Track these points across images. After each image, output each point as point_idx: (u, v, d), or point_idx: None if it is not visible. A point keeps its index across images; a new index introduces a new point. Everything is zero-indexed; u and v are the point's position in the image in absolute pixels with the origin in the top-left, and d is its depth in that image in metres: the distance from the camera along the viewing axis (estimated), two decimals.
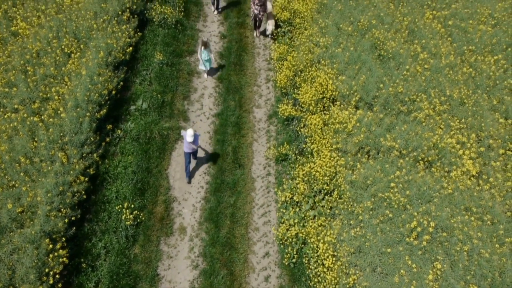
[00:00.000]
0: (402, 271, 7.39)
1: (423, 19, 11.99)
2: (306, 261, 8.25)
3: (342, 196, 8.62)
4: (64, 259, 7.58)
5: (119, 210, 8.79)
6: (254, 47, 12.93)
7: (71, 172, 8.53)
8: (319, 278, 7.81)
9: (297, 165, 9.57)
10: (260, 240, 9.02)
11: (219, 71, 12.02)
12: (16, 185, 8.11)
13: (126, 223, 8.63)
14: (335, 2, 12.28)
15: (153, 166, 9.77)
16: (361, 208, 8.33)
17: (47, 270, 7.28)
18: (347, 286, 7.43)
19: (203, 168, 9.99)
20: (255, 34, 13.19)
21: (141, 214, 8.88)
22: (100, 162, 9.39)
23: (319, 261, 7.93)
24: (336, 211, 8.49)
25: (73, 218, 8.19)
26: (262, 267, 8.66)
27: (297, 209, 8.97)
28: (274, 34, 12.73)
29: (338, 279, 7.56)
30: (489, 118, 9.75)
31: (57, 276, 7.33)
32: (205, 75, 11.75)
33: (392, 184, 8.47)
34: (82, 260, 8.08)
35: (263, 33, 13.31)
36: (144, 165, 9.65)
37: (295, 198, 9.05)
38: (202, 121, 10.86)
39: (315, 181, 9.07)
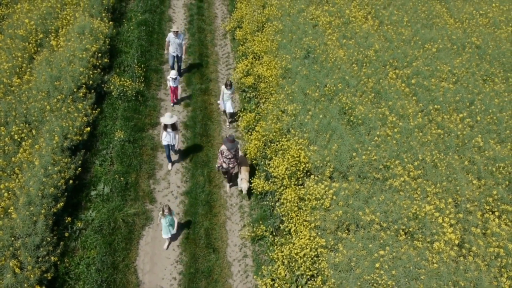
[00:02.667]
0: None
1: (387, 78, 12.08)
2: None
3: (326, 281, 8.09)
4: None
5: None
6: (220, 115, 12.54)
7: (25, 282, 7.56)
8: None
9: (275, 247, 9.01)
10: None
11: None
12: None
13: None
14: (300, 66, 12.19)
15: (119, 260, 8.91)
16: None
17: None
18: None
19: (175, 255, 9.23)
20: (226, 188, 10.61)
21: None
22: (59, 262, 8.46)
23: None
24: None
25: None
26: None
27: None
28: (251, 190, 10.23)
29: None
30: (463, 180, 9.67)
31: None
32: (167, 243, 9.31)
33: (377, 265, 8.05)
34: None
35: (235, 185, 10.75)
36: (109, 260, 8.78)
37: (275, 284, 8.43)
38: (170, 201, 10.18)
39: (296, 263, 8.53)
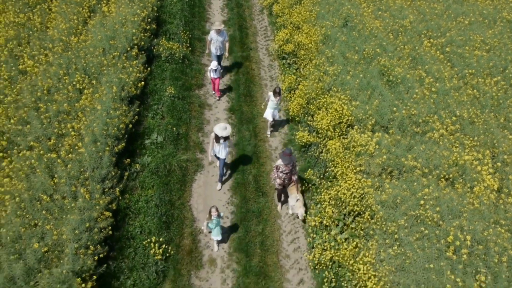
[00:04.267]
0: (448, 285, 7.29)
1: (422, 47, 12.59)
2: (345, 284, 8.03)
3: (374, 216, 8.58)
4: None
5: (147, 245, 8.40)
6: (261, 79, 13.13)
7: (96, 207, 8.17)
8: None
9: (322, 190, 9.52)
10: (292, 267, 8.77)
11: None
12: (39, 224, 7.67)
13: (156, 257, 8.23)
14: (338, 33, 12.77)
15: (175, 199, 9.49)
16: (395, 227, 8.29)
17: None
18: None
19: (226, 198, 9.79)
20: (278, 208, 9.74)
21: (169, 247, 8.51)
22: (120, 198, 9.05)
23: (361, 282, 7.74)
24: (371, 232, 8.40)
25: (101, 256, 7.76)
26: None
27: (327, 233, 8.83)
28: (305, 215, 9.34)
29: None
30: (500, 135, 10.11)
31: None
32: (216, 245, 8.86)
33: (422, 202, 8.52)
34: None
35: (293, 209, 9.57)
36: (166, 198, 9.36)
37: (324, 221, 8.94)
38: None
39: (343, 204, 9.02)
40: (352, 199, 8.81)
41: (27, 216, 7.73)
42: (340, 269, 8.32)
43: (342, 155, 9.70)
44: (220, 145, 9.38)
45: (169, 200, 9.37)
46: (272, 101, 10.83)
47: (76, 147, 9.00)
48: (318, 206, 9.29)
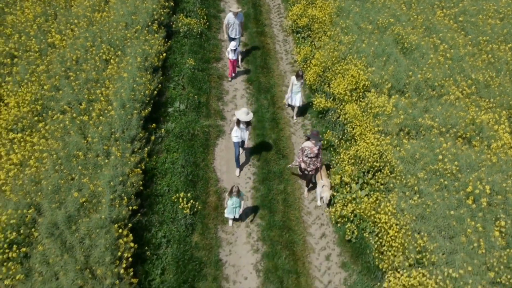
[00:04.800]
0: (468, 230, 7.57)
1: (435, 17, 12.81)
2: (367, 235, 8.35)
3: (393, 171, 8.87)
4: (132, 244, 7.51)
5: (175, 200, 8.79)
6: (277, 53, 13.46)
7: (128, 163, 8.58)
8: (384, 247, 7.90)
9: (341, 150, 9.84)
10: (314, 222, 9.11)
11: (249, 74, 12.41)
12: (76, 178, 8.10)
13: (184, 211, 8.62)
14: (352, 5, 13.05)
15: (200, 161, 9.88)
16: (415, 179, 8.58)
17: (119, 253, 7.19)
18: (416, 249, 7.54)
19: (248, 160, 10.14)
20: (305, 193, 9.57)
21: (196, 203, 8.89)
22: (147, 160, 9.44)
23: (382, 231, 8.05)
24: (391, 185, 8.71)
25: (134, 208, 8.17)
26: (321, 247, 8.70)
27: (348, 191, 9.14)
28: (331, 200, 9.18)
29: (405, 244, 7.67)
30: None
31: (130, 259, 7.24)
32: (231, 222, 8.88)
33: (440, 157, 8.80)
34: (146, 248, 7.99)
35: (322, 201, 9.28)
36: (191, 159, 9.75)
37: (344, 179, 9.25)
38: None
39: (362, 162, 9.32)
40: (371, 156, 9.12)
41: (65, 171, 8.16)
42: (361, 222, 8.64)
43: (360, 117, 10.00)
44: (241, 129, 9.30)
45: (193, 162, 9.75)
46: (295, 85, 10.62)
47: (106, 111, 9.41)
48: (337, 165, 9.59)
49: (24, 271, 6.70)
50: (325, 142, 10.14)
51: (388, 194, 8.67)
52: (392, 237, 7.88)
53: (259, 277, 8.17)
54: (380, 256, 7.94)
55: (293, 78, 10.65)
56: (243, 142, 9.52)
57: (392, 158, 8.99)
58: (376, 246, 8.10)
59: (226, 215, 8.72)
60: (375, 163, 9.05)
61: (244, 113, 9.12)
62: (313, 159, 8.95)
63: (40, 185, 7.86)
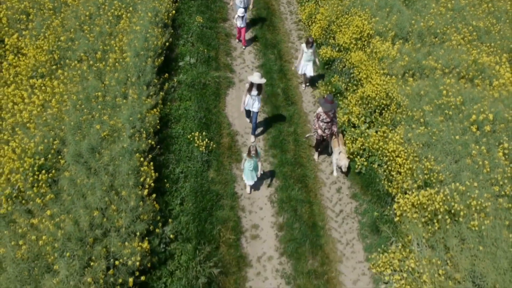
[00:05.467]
0: (473, 152, 7.93)
1: None
2: (376, 167, 8.70)
3: (400, 106, 9.23)
4: (153, 173, 7.88)
5: (190, 139, 9.15)
6: (281, 13, 13.78)
7: (145, 104, 8.94)
8: (393, 173, 8.26)
9: (348, 94, 10.18)
10: (324, 160, 9.46)
11: (254, 32, 12.73)
12: (96, 116, 8.46)
13: (200, 149, 8.99)
14: None
15: (212, 107, 10.23)
16: (421, 112, 8.94)
17: (141, 179, 7.57)
18: (424, 171, 7.90)
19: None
20: (315, 157, 9.53)
21: (211, 143, 9.25)
22: (162, 107, 9.79)
23: (391, 159, 8.40)
24: (398, 118, 9.06)
25: (152, 143, 8.53)
26: (332, 181, 9.08)
27: (356, 129, 9.49)
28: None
29: (413, 168, 8.03)
30: None
31: (152, 184, 7.62)
32: (249, 188, 8.74)
33: (444, 92, 9.15)
34: (165, 181, 8.36)
35: (339, 169, 9.14)
36: (203, 106, 10.11)
37: (352, 119, 9.60)
38: (247, 72, 11.45)
39: (368, 103, 9.66)
40: (378, 94, 9.47)
41: (85, 110, 8.52)
42: (370, 156, 8.99)
43: (365, 62, 10.34)
44: (252, 98, 9.13)
45: (206, 108, 10.11)
46: (305, 53, 10.23)
47: (121, 59, 9.76)
48: (344, 107, 9.93)
49: (54, 192, 7.07)
50: (332, 88, 10.48)
51: (395, 127, 9.02)
52: (400, 164, 8.25)
53: (274, 207, 8.55)
54: (389, 184, 8.31)
55: (303, 45, 10.24)
56: (254, 112, 9.36)
57: (398, 95, 9.35)
58: (385, 174, 8.47)
59: (246, 181, 8.58)
60: (381, 101, 9.40)
61: (257, 76, 8.98)
62: (329, 124, 8.85)
63: (62, 122, 8.22)
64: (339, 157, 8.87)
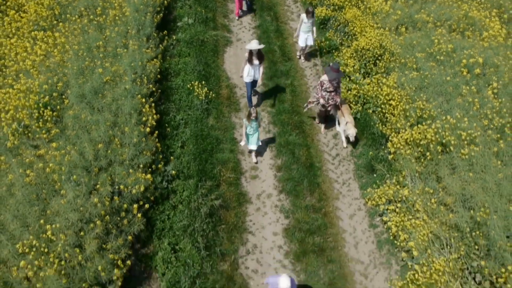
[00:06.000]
0: (464, 91, 8.22)
1: None
2: (371, 112, 8.97)
3: (393, 55, 9.50)
4: (154, 114, 8.12)
5: (190, 89, 9.39)
6: None
7: (146, 53, 9.16)
8: (387, 115, 8.54)
9: (343, 48, 10.44)
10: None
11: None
12: (98, 63, 8.67)
13: (199, 98, 9.23)
14: None
15: (211, 62, 10.46)
16: (413, 59, 9.22)
17: (144, 118, 7.81)
18: (417, 111, 8.18)
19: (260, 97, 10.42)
20: (322, 129, 9.27)
21: (210, 92, 9.49)
22: (161, 61, 10.00)
23: (385, 101, 8.68)
24: (391, 66, 9.33)
25: (153, 88, 8.76)
26: (328, 128, 9.33)
27: (350, 80, 9.75)
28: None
29: (406, 108, 8.31)
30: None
31: (154, 123, 7.85)
32: (254, 156, 8.55)
33: (436, 40, 9.43)
34: (166, 125, 8.60)
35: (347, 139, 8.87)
36: (202, 60, 10.33)
37: (346, 70, 9.85)
38: (244, 32, 11.69)
39: (363, 55, 9.92)
40: (371, 45, 9.73)
41: (87, 58, 8.73)
42: (365, 103, 9.26)
43: (360, 17, 10.61)
44: (253, 67, 8.87)
45: (205, 62, 10.34)
46: (304, 23, 10.04)
47: (120, 15, 9.96)
48: (340, 60, 10.19)
49: (59, 128, 7.30)
50: (327, 43, 10.74)
51: (389, 74, 9.29)
52: (394, 107, 8.53)
53: (272, 151, 8.81)
54: (383, 126, 8.59)
55: (303, 15, 10.03)
56: (255, 82, 9.17)
57: (391, 45, 9.62)
58: (379, 118, 8.75)
59: (249, 147, 8.38)
60: (375, 51, 9.67)
61: (255, 43, 8.79)
62: (332, 94, 8.55)
63: (65, 68, 8.43)
64: (347, 127, 8.63)
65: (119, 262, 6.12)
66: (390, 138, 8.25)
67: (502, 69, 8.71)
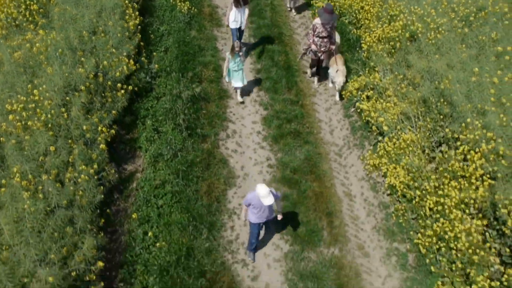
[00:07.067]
0: None
1: None
2: (347, 22, 9.35)
3: None
4: (138, 17, 8.48)
5: (173, 3, 9.72)
6: None
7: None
8: (362, 21, 8.94)
9: None
10: (300, 26, 10.11)
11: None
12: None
13: (182, 11, 9.58)
14: None
15: None
16: None
17: (127, 17, 8.16)
18: (388, 9, 8.57)
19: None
20: (315, 83, 8.70)
21: (193, 8, 9.84)
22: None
23: (359, 8, 9.07)
24: None
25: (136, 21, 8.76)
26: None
27: None
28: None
29: (379, 10, 8.73)
30: None
31: (137, 22, 8.21)
32: (239, 96, 8.17)
33: None
34: (150, 33, 8.96)
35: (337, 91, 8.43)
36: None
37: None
38: None
39: None
40: None
41: None
42: (341, 17, 9.63)
43: None
44: (239, 11, 8.37)
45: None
46: None
47: None
48: None
49: (46, 20, 7.64)
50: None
51: None
52: (367, 11, 8.92)
53: (252, 57, 9.18)
54: (358, 30, 9.00)
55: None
56: (240, 29, 8.73)
57: None
58: (354, 23, 9.16)
59: (233, 85, 8.01)
60: None
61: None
62: (325, 40, 7.96)
63: None
64: (336, 74, 8.11)
65: (104, 128, 6.47)
66: (363, 38, 8.65)
67: None
